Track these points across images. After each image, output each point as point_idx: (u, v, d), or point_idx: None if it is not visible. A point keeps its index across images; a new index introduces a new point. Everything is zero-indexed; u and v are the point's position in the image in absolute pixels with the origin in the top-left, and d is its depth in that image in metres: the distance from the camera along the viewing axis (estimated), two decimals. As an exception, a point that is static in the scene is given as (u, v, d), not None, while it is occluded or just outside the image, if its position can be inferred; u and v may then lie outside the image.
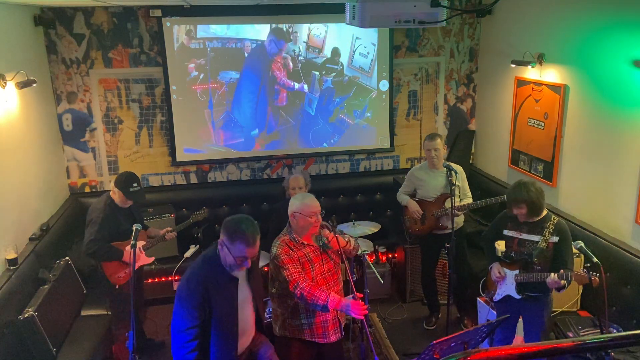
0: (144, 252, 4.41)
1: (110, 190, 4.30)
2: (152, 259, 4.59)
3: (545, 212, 3.65)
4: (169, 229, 4.59)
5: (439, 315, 5.16)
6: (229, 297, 2.84)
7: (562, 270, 3.45)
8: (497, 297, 3.85)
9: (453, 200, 4.48)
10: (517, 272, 3.69)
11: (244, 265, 2.77)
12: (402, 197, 4.97)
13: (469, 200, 4.77)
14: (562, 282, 3.44)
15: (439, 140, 4.69)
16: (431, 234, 4.84)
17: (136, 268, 4.10)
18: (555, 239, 3.57)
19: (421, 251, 5.15)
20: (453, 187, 4.45)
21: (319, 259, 3.32)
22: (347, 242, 3.40)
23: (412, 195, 4.94)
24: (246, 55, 5.68)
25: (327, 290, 3.23)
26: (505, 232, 3.77)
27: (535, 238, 3.62)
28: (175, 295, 2.83)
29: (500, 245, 4.12)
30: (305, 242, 3.31)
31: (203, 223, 5.42)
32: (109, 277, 4.19)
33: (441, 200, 4.72)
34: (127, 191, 4.17)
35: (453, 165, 4.76)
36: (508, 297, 3.76)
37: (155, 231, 4.61)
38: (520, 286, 3.69)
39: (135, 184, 4.20)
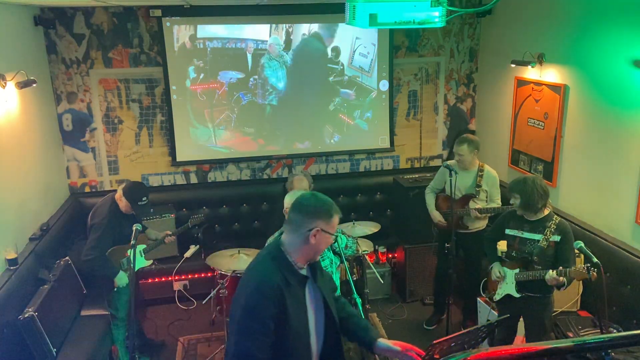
0: (143, 256, 4.39)
1: (114, 193, 4.25)
2: (150, 262, 4.55)
3: (547, 211, 3.68)
4: (168, 232, 4.57)
5: (442, 317, 5.09)
6: (301, 302, 2.35)
7: (560, 267, 3.47)
8: (497, 297, 3.86)
9: (453, 201, 4.49)
10: (517, 270, 3.70)
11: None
12: (429, 201, 4.98)
13: (494, 205, 4.71)
14: (561, 278, 3.45)
15: (465, 146, 4.63)
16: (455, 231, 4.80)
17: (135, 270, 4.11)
18: (556, 237, 3.59)
19: (438, 251, 5.10)
20: (478, 189, 4.52)
21: None
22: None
23: (442, 190, 4.94)
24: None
25: None
26: (507, 231, 3.80)
27: (537, 237, 3.64)
28: (232, 312, 2.30)
29: (502, 246, 4.13)
30: None
31: (202, 224, 5.41)
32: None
33: (464, 200, 4.70)
34: (135, 204, 4.13)
35: (488, 169, 4.75)
36: (508, 297, 3.77)
37: (155, 234, 4.59)
38: (520, 285, 3.70)
39: (144, 198, 4.15)
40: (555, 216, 3.69)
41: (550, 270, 3.48)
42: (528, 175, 3.72)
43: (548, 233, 3.60)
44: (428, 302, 5.42)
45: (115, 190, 4.31)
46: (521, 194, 3.61)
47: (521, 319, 3.89)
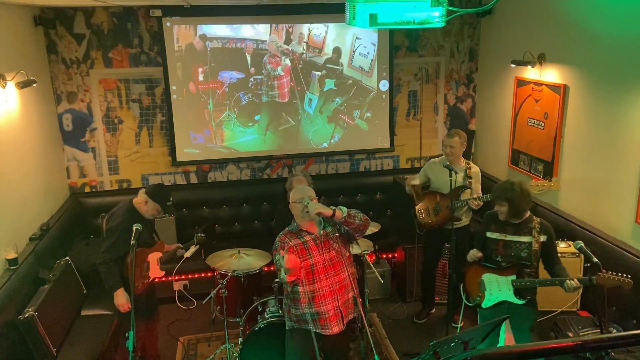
0: (159, 265, 4.30)
1: (132, 197, 4.12)
2: (163, 272, 4.45)
3: (528, 213, 3.64)
4: (180, 244, 4.48)
5: (431, 311, 5.23)
6: None
7: (587, 276, 3.37)
8: (488, 303, 3.69)
9: (453, 203, 4.47)
10: (513, 277, 3.60)
11: None
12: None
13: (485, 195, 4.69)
14: (580, 287, 3.44)
15: (456, 138, 4.63)
16: (440, 228, 4.80)
17: (150, 280, 4.09)
18: (543, 238, 3.57)
19: (424, 247, 5.10)
20: (470, 180, 4.46)
21: (317, 247, 3.36)
22: (332, 211, 3.29)
23: (427, 187, 4.90)
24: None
25: (327, 279, 3.32)
26: (489, 234, 3.71)
27: (523, 239, 3.59)
28: None
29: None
30: (305, 231, 3.39)
31: (203, 224, 5.40)
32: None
33: (454, 193, 4.63)
34: (164, 205, 4.08)
35: (473, 164, 4.77)
36: (503, 303, 3.65)
37: (168, 246, 4.50)
38: (518, 291, 3.63)
39: (171, 198, 4.15)
40: (534, 216, 3.67)
41: (570, 281, 3.37)
42: (514, 181, 3.61)
43: (535, 234, 3.56)
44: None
45: (127, 194, 4.21)
46: (510, 202, 3.52)
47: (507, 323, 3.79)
